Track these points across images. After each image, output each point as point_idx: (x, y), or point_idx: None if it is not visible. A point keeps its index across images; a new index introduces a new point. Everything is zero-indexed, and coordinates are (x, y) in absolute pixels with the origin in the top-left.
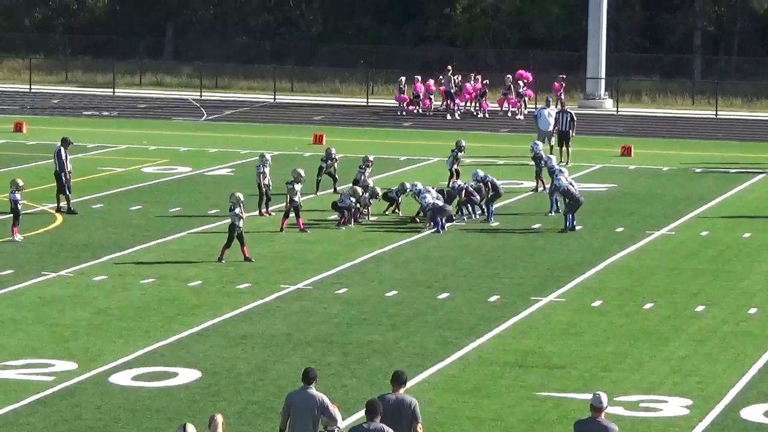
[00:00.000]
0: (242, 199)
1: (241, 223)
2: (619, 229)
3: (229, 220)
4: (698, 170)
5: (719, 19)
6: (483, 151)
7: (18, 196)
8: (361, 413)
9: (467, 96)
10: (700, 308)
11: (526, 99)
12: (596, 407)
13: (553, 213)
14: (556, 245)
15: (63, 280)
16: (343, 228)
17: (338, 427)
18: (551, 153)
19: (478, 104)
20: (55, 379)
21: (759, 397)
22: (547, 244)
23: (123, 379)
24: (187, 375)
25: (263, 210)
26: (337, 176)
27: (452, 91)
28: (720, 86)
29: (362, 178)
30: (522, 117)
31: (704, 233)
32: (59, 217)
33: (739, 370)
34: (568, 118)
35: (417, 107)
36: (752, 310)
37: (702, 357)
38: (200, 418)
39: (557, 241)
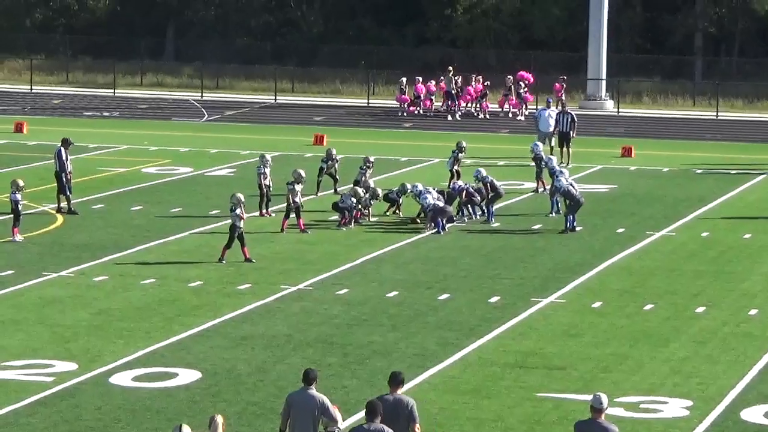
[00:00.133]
0: (243, 199)
1: (241, 224)
2: (620, 230)
3: (229, 221)
4: (699, 171)
5: (720, 21)
6: (483, 152)
7: (18, 196)
8: (362, 414)
9: (468, 97)
10: (700, 309)
11: (526, 103)
12: (596, 408)
13: (554, 214)
14: (557, 246)
15: (63, 280)
16: (344, 229)
17: (338, 428)
18: (552, 154)
19: (478, 105)
20: (55, 379)
21: (759, 398)
22: (547, 245)
23: (123, 379)
24: (187, 376)
25: (264, 211)
26: (337, 177)
27: (453, 92)
28: (721, 87)
29: (363, 178)
30: (522, 118)
31: (705, 234)
32: (60, 218)
33: (739, 371)
34: (569, 119)
35: (418, 108)
36: (753, 312)
37: (702, 358)
38: (200, 418)
39: (558, 242)
